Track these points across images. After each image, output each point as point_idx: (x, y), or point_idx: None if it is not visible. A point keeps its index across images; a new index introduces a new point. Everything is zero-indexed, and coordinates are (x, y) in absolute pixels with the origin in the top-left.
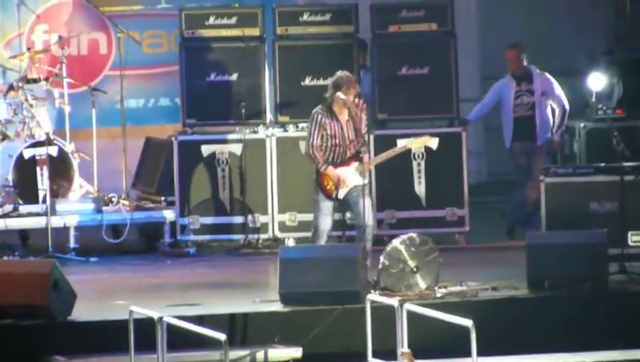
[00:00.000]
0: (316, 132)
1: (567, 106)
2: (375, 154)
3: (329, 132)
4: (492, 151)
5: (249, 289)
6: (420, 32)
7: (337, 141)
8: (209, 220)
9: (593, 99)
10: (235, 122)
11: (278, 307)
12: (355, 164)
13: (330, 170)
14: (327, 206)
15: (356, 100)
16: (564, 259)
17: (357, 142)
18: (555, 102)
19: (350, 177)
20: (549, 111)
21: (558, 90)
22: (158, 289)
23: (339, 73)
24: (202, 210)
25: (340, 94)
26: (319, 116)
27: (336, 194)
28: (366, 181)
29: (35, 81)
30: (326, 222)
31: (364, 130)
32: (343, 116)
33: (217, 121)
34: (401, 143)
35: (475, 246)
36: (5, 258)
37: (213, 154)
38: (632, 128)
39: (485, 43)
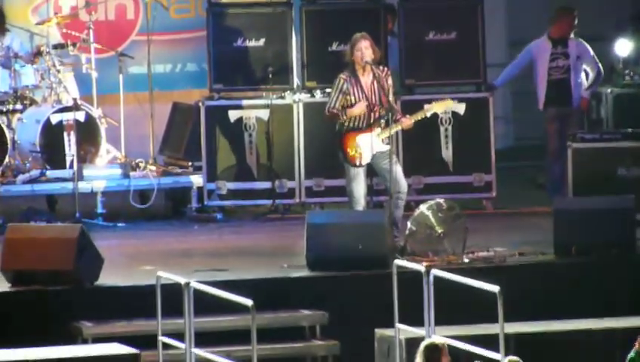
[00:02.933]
0: (336, 97)
1: (602, 70)
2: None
3: (353, 96)
4: (519, 115)
5: (276, 255)
6: None
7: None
8: (236, 185)
9: (620, 65)
10: (262, 87)
11: (305, 272)
12: (377, 130)
13: (352, 109)
14: (356, 171)
15: (381, 67)
16: (591, 225)
17: (382, 107)
18: (589, 65)
19: (370, 142)
20: (582, 75)
21: (593, 55)
22: (185, 255)
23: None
24: (229, 175)
25: (354, 52)
26: (342, 81)
27: (360, 161)
28: (389, 147)
29: (62, 46)
30: (359, 188)
31: (390, 96)
32: (367, 78)
33: (244, 87)
34: (426, 107)
35: (502, 211)
36: (32, 223)
37: (240, 120)
38: None
39: (512, 8)
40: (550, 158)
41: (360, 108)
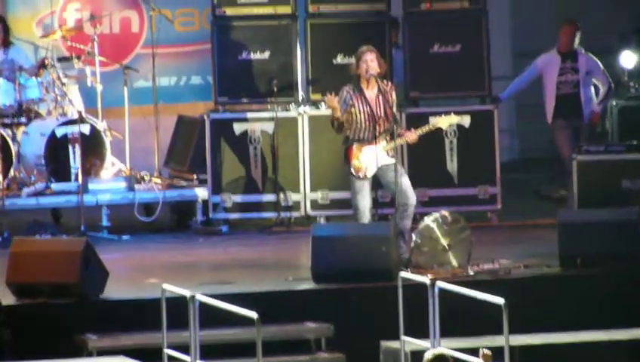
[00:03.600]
0: (340, 109)
1: (612, 85)
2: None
3: (357, 108)
4: (524, 128)
5: (281, 268)
6: (452, 9)
7: (366, 117)
8: (241, 198)
9: (625, 78)
10: (267, 100)
11: (310, 285)
12: (382, 143)
13: (330, 98)
14: (361, 184)
15: (385, 82)
16: (596, 237)
17: (386, 120)
18: (600, 80)
19: (375, 154)
20: (592, 90)
21: (603, 70)
22: (191, 268)
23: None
24: (234, 188)
25: (359, 64)
26: (345, 93)
27: (365, 174)
28: (394, 160)
29: (67, 59)
30: (364, 201)
31: (394, 109)
32: (372, 91)
33: (249, 99)
34: (431, 122)
35: (507, 224)
36: (37, 236)
37: (245, 132)
38: None
39: (517, 20)
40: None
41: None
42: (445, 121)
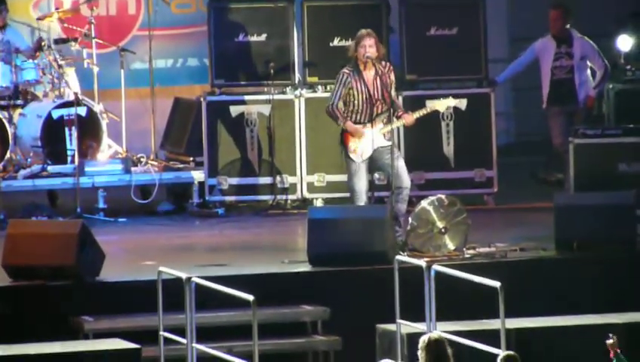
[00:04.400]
0: (339, 92)
1: (609, 67)
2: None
3: (355, 90)
4: (520, 111)
5: (277, 250)
6: None
7: (364, 98)
8: (237, 181)
9: (622, 61)
10: (263, 83)
11: (306, 268)
12: (379, 125)
13: (349, 124)
14: (357, 167)
15: (384, 63)
16: (592, 220)
17: (384, 102)
18: (596, 64)
19: (371, 136)
20: (588, 73)
21: (599, 53)
22: (187, 250)
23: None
24: (231, 170)
25: (358, 48)
26: (345, 76)
27: (361, 156)
28: (390, 143)
29: (63, 41)
30: (360, 183)
31: (392, 92)
32: (370, 73)
33: (246, 82)
34: (428, 105)
35: (504, 207)
36: (34, 218)
37: (241, 115)
38: None
39: (514, 4)
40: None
41: (358, 130)
42: (443, 104)
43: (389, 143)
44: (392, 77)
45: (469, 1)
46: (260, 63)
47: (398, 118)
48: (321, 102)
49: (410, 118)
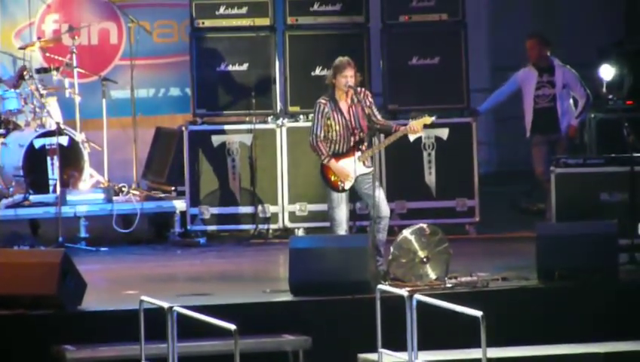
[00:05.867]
0: (319, 123)
1: (590, 96)
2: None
3: (333, 120)
4: (502, 141)
5: (259, 280)
6: (431, 22)
7: (342, 128)
8: (219, 210)
9: (604, 90)
10: (245, 112)
11: (288, 297)
12: (357, 153)
13: (333, 163)
14: (338, 196)
15: (359, 89)
16: (574, 250)
17: (361, 130)
18: (577, 94)
19: (352, 167)
20: (570, 102)
21: (580, 82)
22: (169, 279)
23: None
24: (212, 200)
25: (338, 77)
26: (322, 106)
27: (343, 187)
28: (371, 169)
29: (45, 70)
30: (341, 213)
31: (376, 114)
32: (346, 102)
33: (227, 111)
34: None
35: (486, 236)
36: (15, 247)
37: (223, 144)
38: None
39: (496, 33)
40: (536, 181)
41: (342, 173)
42: (419, 123)
43: (370, 170)
44: (370, 98)
45: (451, 31)
46: (242, 93)
47: (396, 131)
48: (303, 132)
49: (416, 125)
